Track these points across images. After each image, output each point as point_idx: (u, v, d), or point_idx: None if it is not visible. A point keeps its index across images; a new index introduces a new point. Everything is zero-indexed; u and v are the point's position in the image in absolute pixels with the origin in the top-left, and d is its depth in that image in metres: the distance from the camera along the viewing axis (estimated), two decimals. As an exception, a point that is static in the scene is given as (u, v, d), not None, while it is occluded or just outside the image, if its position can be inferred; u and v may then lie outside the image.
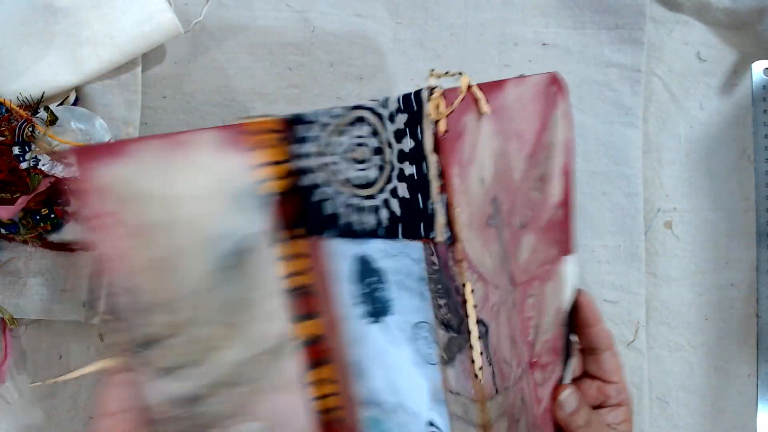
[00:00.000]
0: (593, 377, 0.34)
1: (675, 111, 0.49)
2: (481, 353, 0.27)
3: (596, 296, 0.46)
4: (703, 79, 0.50)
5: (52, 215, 0.42)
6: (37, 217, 0.41)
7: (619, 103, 0.48)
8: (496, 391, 0.28)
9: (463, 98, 0.26)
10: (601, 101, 0.48)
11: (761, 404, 0.47)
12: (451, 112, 0.26)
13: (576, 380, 0.34)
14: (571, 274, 0.32)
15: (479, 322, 0.27)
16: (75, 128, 0.42)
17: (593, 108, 0.48)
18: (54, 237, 0.43)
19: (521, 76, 0.30)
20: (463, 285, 0.27)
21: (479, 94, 0.27)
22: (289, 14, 0.47)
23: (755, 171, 0.49)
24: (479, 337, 0.27)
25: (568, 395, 0.32)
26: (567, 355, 0.33)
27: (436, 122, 0.26)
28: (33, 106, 0.41)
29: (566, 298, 0.32)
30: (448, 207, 0.26)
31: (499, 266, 0.29)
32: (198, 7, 0.46)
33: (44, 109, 0.41)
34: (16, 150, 0.40)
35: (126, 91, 0.44)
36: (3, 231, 0.41)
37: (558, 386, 0.32)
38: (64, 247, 0.42)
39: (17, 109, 0.40)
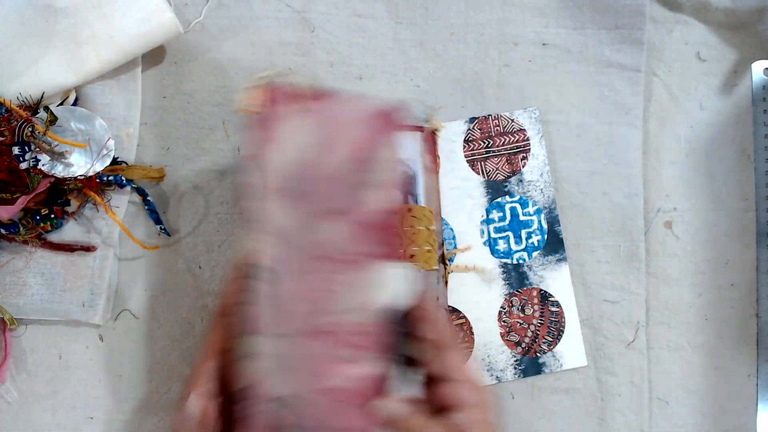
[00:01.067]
0: (439, 378, 0.32)
1: (675, 111, 0.49)
2: None
3: (596, 296, 0.47)
4: (703, 79, 0.50)
5: (52, 215, 0.42)
6: (37, 217, 0.41)
7: (619, 103, 0.48)
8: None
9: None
10: (601, 101, 0.48)
11: (761, 404, 0.47)
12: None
13: (426, 385, 0.33)
14: (393, 278, 0.34)
15: (271, 270, 0.33)
16: (75, 128, 0.42)
17: (593, 108, 0.48)
18: (54, 237, 0.43)
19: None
20: None
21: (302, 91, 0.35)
22: (289, 14, 0.47)
23: (755, 171, 0.49)
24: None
25: (380, 404, 0.31)
26: (400, 359, 0.34)
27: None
28: (33, 106, 0.41)
29: (384, 297, 0.33)
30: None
31: (295, 231, 0.34)
32: (198, 7, 0.46)
33: (44, 109, 0.41)
34: (15, 150, 0.40)
35: (126, 91, 0.44)
36: (3, 231, 0.41)
37: (380, 388, 0.32)
38: (64, 247, 0.42)
39: (17, 109, 0.40)
